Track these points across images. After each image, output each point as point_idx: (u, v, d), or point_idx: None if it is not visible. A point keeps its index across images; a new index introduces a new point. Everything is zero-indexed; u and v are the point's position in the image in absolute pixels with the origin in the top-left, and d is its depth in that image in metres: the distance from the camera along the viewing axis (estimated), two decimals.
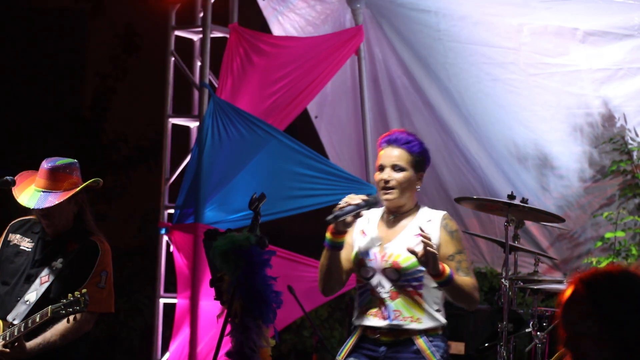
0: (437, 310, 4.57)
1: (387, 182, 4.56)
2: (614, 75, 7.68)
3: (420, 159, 4.63)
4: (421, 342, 4.51)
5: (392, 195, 4.58)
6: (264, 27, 8.35)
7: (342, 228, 4.54)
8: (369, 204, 4.55)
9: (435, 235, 4.54)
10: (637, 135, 7.81)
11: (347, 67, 8.42)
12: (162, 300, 7.77)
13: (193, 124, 7.87)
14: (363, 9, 8.25)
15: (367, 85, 8.40)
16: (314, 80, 7.92)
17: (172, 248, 7.64)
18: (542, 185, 7.96)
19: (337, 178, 7.84)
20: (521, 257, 7.20)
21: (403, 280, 4.53)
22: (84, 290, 4.80)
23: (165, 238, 7.68)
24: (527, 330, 6.30)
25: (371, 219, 4.70)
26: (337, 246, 4.59)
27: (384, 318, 4.55)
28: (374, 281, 4.57)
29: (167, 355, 7.61)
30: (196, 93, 7.78)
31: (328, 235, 4.57)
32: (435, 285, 4.53)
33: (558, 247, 8.06)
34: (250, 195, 4.58)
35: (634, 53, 7.60)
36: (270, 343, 4.70)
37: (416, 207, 4.66)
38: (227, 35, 7.76)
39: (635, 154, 7.82)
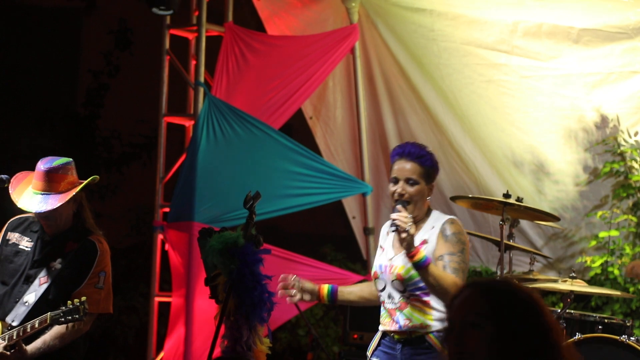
0: None
1: (401, 195, 4.76)
2: (606, 79, 7.69)
3: (431, 172, 4.83)
4: (432, 338, 4.75)
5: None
6: (259, 26, 8.36)
7: None
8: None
9: (431, 237, 4.77)
10: (630, 136, 7.83)
11: (342, 66, 8.42)
12: (157, 299, 7.77)
13: (188, 123, 7.87)
14: (358, 7, 8.26)
15: (363, 85, 8.40)
16: (309, 79, 7.93)
17: (166, 246, 7.64)
18: (538, 188, 7.97)
19: (333, 176, 7.85)
20: (516, 256, 7.22)
21: (409, 290, 4.76)
22: (83, 298, 4.81)
23: (160, 236, 7.68)
24: None
25: (389, 232, 4.94)
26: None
27: (395, 325, 4.80)
28: (385, 293, 4.84)
29: (161, 354, 7.61)
30: (191, 92, 7.77)
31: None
32: None
33: (552, 246, 8.07)
34: (245, 193, 4.57)
35: (626, 56, 7.60)
36: (265, 343, 4.69)
37: (426, 215, 4.84)
38: (222, 34, 7.75)
39: (627, 155, 7.83)
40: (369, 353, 4.92)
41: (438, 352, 4.72)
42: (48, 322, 4.81)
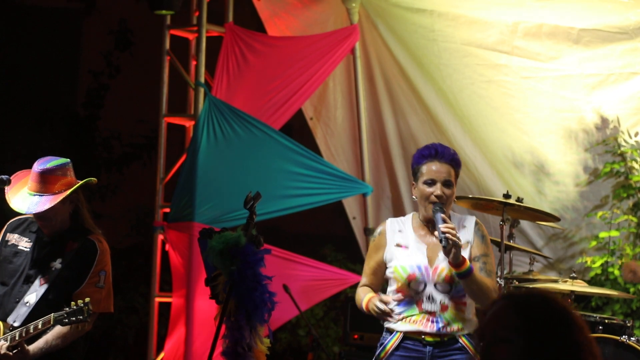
0: (475, 315, 4.77)
1: (439, 197, 4.67)
2: (606, 81, 7.70)
3: (459, 174, 4.82)
4: (464, 340, 4.70)
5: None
6: (260, 26, 8.36)
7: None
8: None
9: (470, 238, 4.73)
10: (630, 137, 7.83)
11: (343, 66, 8.41)
12: (157, 299, 7.76)
13: (188, 123, 7.86)
14: (358, 8, 8.26)
15: (363, 85, 8.40)
16: (310, 80, 7.93)
17: (167, 247, 7.64)
18: (538, 189, 7.97)
19: (333, 177, 7.85)
20: (516, 256, 7.22)
21: (454, 292, 4.69)
22: (87, 299, 4.80)
23: (160, 237, 7.68)
24: None
25: (403, 230, 4.83)
26: None
27: (432, 327, 4.70)
28: (424, 295, 4.71)
29: (162, 354, 7.61)
30: (191, 92, 7.77)
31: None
32: None
33: (553, 246, 8.07)
34: (245, 194, 4.57)
35: (626, 57, 7.60)
36: (265, 343, 4.69)
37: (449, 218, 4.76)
38: (223, 35, 7.75)
39: (628, 155, 7.83)
40: (382, 355, 4.76)
41: (470, 355, 4.66)
42: (52, 323, 4.81)
